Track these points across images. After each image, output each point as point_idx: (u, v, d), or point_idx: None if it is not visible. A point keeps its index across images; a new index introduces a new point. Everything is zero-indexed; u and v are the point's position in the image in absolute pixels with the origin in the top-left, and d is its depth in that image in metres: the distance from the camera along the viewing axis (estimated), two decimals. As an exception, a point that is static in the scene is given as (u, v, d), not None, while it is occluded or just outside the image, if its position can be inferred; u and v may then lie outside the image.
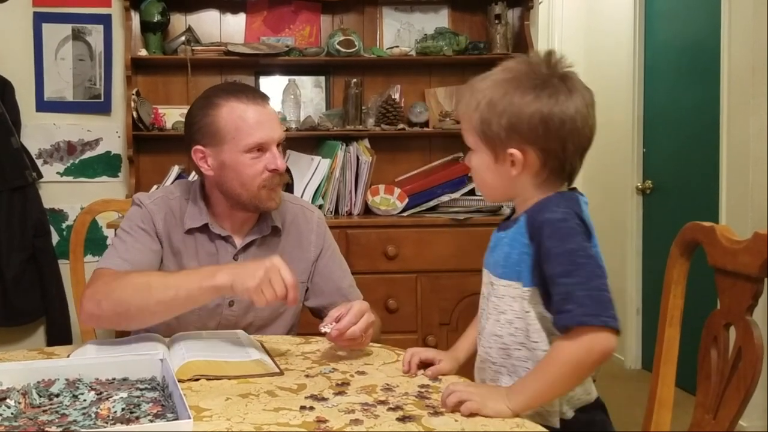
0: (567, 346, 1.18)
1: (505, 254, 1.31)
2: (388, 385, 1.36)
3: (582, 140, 1.27)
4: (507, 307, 1.31)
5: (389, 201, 3.14)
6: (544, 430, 1.15)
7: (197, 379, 1.39)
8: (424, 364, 1.45)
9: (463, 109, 1.32)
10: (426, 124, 3.33)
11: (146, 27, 3.22)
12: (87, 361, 1.39)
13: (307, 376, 1.42)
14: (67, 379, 1.28)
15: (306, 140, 3.30)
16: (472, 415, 1.18)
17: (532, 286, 1.26)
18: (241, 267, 1.53)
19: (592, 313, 1.15)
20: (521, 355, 1.31)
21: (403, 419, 1.18)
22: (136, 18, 3.25)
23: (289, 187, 3.05)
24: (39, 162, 3.30)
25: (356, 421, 1.17)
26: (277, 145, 1.73)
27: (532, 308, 1.27)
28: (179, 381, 1.26)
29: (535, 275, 1.25)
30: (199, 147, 1.73)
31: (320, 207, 3.01)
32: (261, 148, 1.70)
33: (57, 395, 1.23)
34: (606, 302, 1.17)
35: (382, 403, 1.26)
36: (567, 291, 1.17)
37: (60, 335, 3.21)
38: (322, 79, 3.42)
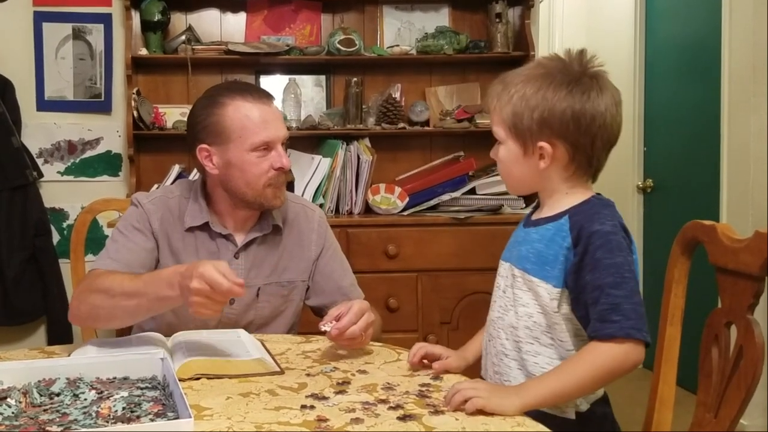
0: (606, 352, 1.21)
1: (536, 251, 1.33)
2: (388, 384, 1.36)
3: (610, 137, 1.32)
4: (530, 300, 1.33)
5: (390, 200, 3.14)
6: (545, 429, 1.15)
7: (198, 378, 1.39)
8: (431, 359, 1.45)
9: (494, 103, 1.35)
10: (426, 123, 3.33)
11: (146, 26, 3.22)
12: (88, 360, 1.39)
13: (307, 375, 1.42)
14: (67, 379, 1.28)
15: (306, 139, 3.30)
16: (476, 412, 1.18)
17: (563, 287, 1.29)
18: (184, 277, 1.42)
19: (636, 327, 1.20)
20: (531, 349, 1.34)
21: (403, 418, 1.18)
22: (136, 17, 3.25)
23: (289, 186, 3.05)
24: (39, 161, 3.30)
25: (357, 420, 1.17)
26: (282, 144, 1.74)
27: (560, 308, 1.30)
28: (180, 380, 1.26)
29: (569, 279, 1.28)
30: (204, 146, 1.73)
31: (321, 206, 3.01)
32: (267, 147, 1.70)
33: (58, 394, 1.23)
34: (644, 317, 1.22)
35: (383, 402, 1.26)
36: (615, 302, 1.21)
37: (61, 334, 3.21)
38: (323, 78, 3.41)
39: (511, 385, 1.30)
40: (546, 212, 1.37)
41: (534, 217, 1.41)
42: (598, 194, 1.37)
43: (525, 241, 1.37)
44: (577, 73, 1.31)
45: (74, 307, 1.62)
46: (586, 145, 1.30)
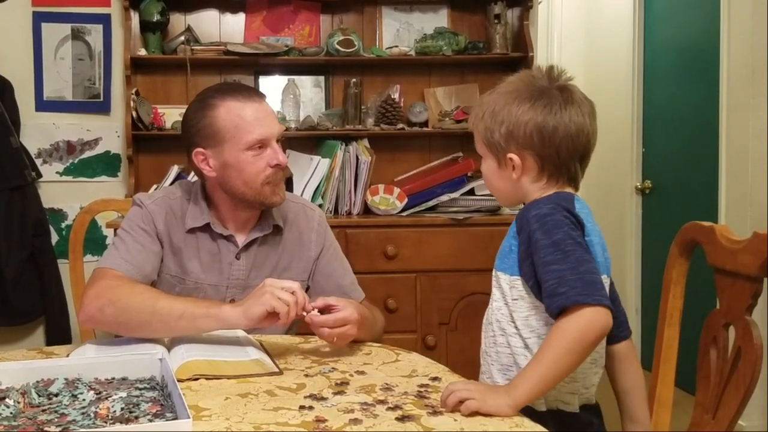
0: (568, 324, 1.22)
1: (501, 248, 1.40)
2: (387, 384, 1.36)
3: (577, 147, 1.36)
4: (499, 295, 1.38)
5: (389, 201, 3.14)
6: (543, 429, 1.15)
7: (196, 379, 1.39)
8: None
9: (472, 120, 1.44)
10: (425, 123, 3.33)
11: (146, 26, 3.22)
12: (86, 360, 1.39)
13: (306, 375, 1.42)
14: (66, 379, 1.28)
15: (305, 140, 3.30)
16: (472, 414, 1.19)
17: (519, 276, 1.33)
18: (244, 300, 1.53)
19: (585, 293, 1.21)
20: (502, 341, 1.37)
21: (402, 419, 1.18)
22: (135, 17, 3.25)
23: (288, 186, 3.04)
24: (38, 161, 3.29)
25: (355, 421, 1.18)
26: (277, 141, 1.74)
27: (519, 297, 1.34)
28: (178, 380, 1.26)
29: (523, 266, 1.32)
30: (199, 149, 1.73)
31: (320, 206, 3.01)
32: (261, 145, 1.70)
33: (56, 395, 1.23)
34: (596, 284, 1.23)
35: (381, 402, 1.26)
36: (559, 276, 1.23)
37: (59, 335, 3.21)
38: (322, 78, 3.42)
39: (502, 385, 1.30)
40: None
41: None
42: (560, 191, 1.38)
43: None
44: (544, 87, 1.36)
45: (94, 309, 1.57)
46: (552, 155, 1.35)
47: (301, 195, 2.99)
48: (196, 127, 1.73)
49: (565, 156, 1.35)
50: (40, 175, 3.27)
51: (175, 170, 3.02)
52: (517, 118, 1.34)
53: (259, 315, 1.47)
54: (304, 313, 1.51)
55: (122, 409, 1.16)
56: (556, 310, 1.23)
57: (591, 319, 1.21)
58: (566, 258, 1.24)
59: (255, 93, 1.76)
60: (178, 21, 3.33)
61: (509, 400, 1.20)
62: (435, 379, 1.40)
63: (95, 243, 3.18)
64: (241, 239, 1.79)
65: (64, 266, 3.14)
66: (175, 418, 1.13)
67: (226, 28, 3.38)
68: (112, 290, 1.58)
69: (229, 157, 1.70)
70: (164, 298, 1.57)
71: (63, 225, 3.33)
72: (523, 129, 1.34)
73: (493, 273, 1.41)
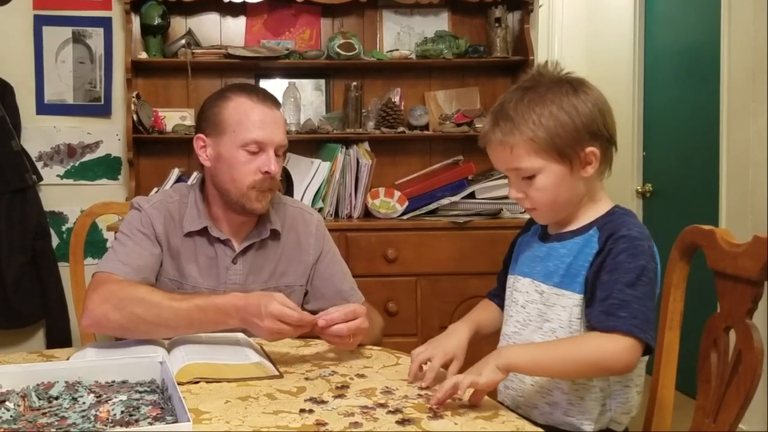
0: (601, 342, 1.21)
1: (566, 265, 1.34)
2: (387, 388, 1.36)
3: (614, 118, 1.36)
4: (555, 316, 1.34)
5: (389, 204, 3.14)
6: (541, 431, 1.15)
7: (197, 382, 1.39)
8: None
9: (515, 138, 1.32)
10: (426, 127, 3.33)
11: (146, 30, 3.22)
12: (86, 363, 1.39)
13: (306, 378, 1.42)
14: (66, 382, 1.28)
15: (306, 143, 3.30)
16: (475, 418, 1.18)
17: (583, 293, 1.31)
18: (248, 314, 1.50)
19: (641, 327, 1.21)
20: None
21: (402, 422, 1.18)
22: (136, 21, 3.25)
23: (289, 190, 3.05)
24: (39, 164, 3.30)
25: (356, 424, 1.18)
26: (277, 154, 1.74)
27: (582, 317, 1.31)
28: (179, 384, 1.26)
29: (589, 279, 1.29)
30: (201, 135, 1.76)
31: (320, 210, 3.01)
32: (258, 148, 1.71)
33: (56, 398, 1.23)
34: (652, 323, 1.23)
35: (382, 406, 1.26)
36: (626, 299, 1.22)
37: (59, 338, 3.21)
38: (322, 82, 3.42)
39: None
40: (571, 226, 1.37)
41: (553, 231, 1.41)
42: (618, 204, 1.38)
43: (549, 256, 1.38)
44: (562, 78, 1.34)
45: (100, 314, 1.56)
46: (613, 133, 1.34)
47: (302, 198, 3.00)
48: (206, 114, 1.77)
49: (614, 132, 1.34)
50: (40, 178, 3.27)
51: (175, 173, 3.03)
52: (582, 110, 1.30)
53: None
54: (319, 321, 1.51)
55: (122, 412, 1.16)
56: (605, 328, 1.21)
57: (623, 351, 1.20)
58: (639, 286, 1.23)
59: (270, 99, 1.77)
60: (178, 24, 3.33)
61: (491, 362, 1.20)
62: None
63: (96, 246, 3.18)
64: (238, 244, 1.79)
65: (64, 269, 3.14)
66: (176, 421, 1.13)
67: (226, 32, 3.38)
68: (117, 296, 1.57)
69: (224, 150, 1.71)
70: (169, 302, 1.56)
71: (64, 228, 3.33)
72: (590, 118, 1.30)
73: (547, 290, 1.35)
